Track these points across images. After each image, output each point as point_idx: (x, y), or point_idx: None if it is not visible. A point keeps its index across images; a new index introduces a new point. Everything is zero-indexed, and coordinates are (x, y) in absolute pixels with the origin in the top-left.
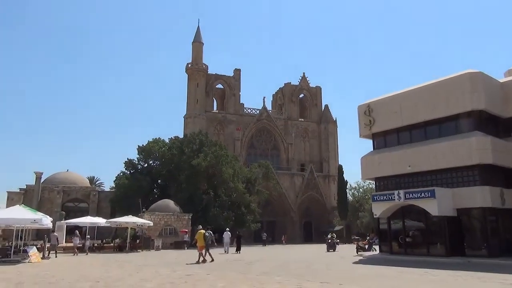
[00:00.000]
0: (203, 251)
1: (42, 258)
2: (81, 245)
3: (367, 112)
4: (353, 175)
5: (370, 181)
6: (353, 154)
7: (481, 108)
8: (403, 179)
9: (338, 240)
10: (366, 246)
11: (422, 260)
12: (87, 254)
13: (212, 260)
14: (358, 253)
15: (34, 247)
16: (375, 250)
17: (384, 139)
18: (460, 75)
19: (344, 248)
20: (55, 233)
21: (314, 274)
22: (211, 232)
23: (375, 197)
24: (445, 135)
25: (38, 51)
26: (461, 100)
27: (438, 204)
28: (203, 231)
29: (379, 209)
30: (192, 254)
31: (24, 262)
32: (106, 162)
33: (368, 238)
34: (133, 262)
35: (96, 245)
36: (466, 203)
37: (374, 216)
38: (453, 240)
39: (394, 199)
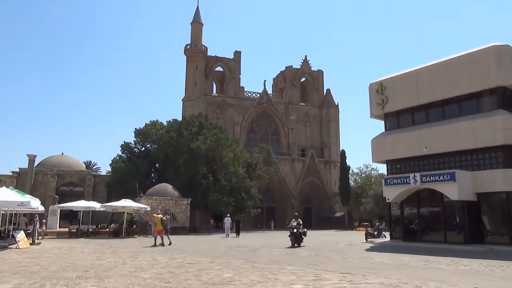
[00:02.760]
0: (162, 235)
1: (31, 244)
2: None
3: (380, 91)
4: (355, 161)
5: (373, 167)
6: (355, 140)
7: (508, 84)
8: (417, 162)
9: (305, 230)
10: (376, 233)
11: (439, 248)
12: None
13: (170, 243)
14: (368, 240)
15: (22, 231)
16: (385, 237)
17: (397, 119)
18: (484, 49)
19: (337, 234)
20: (24, 217)
21: (328, 263)
22: (168, 217)
23: (388, 181)
24: (466, 114)
25: (32, 33)
26: (485, 76)
27: (459, 188)
28: (160, 215)
29: (392, 193)
30: (192, 240)
31: (11, 248)
32: (104, 147)
33: (377, 224)
34: (128, 249)
35: (91, 230)
36: (487, 187)
37: (387, 201)
38: (472, 227)
39: (410, 183)
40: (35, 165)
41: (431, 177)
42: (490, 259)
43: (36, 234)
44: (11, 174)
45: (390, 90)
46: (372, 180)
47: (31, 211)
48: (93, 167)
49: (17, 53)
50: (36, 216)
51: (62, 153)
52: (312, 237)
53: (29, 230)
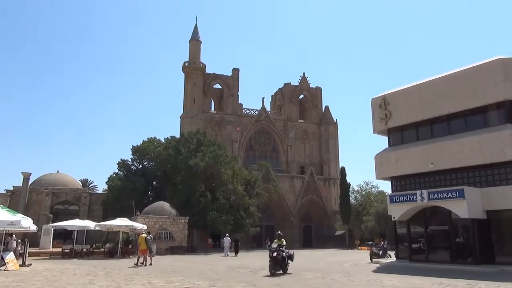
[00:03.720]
0: (147, 254)
1: (20, 265)
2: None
3: (383, 105)
4: (355, 178)
5: (373, 185)
6: (354, 157)
7: None
8: (423, 178)
9: (291, 252)
10: (380, 252)
11: (449, 269)
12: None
13: (151, 264)
14: (373, 260)
15: (11, 252)
16: (390, 257)
17: (401, 135)
18: (490, 62)
19: (339, 254)
20: (13, 236)
21: (336, 286)
22: (151, 237)
23: (394, 198)
24: (472, 129)
25: (28, 48)
26: (492, 90)
27: (468, 205)
28: (144, 235)
29: (398, 211)
30: (190, 260)
31: (0, 270)
32: (101, 165)
33: (382, 243)
34: (123, 270)
35: (85, 250)
36: (496, 204)
37: (392, 219)
38: (482, 246)
39: (416, 200)
40: (29, 183)
41: (439, 194)
42: (507, 282)
43: (27, 255)
44: (4, 192)
45: (393, 104)
46: (372, 197)
47: (22, 230)
48: (90, 185)
49: (11, 67)
50: (10, 236)
51: (58, 171)
52: (314, 257)
53: (21, 250)
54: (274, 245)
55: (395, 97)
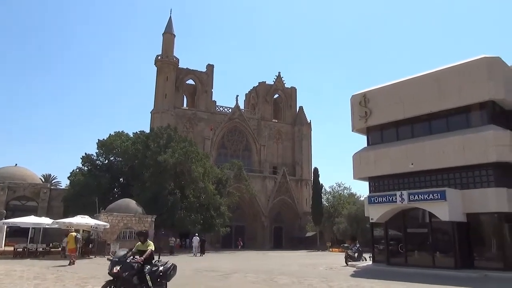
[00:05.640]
0: (75, 253)
1: None
2: None
3: (363, 103)
4: (327, 180)
5: (346, 186)
6: (327, 158)
7: (499, 98)
8: (402, 179)
9: (168, 265)
10: (356, 255)
11: (429, 273)
12: None
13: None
14: (348, 263)
15: None
16: (365, 259)
17: (381, 134)
18: (475, 61)
19: (311, 256)
20: None
21: None
22: (80, 236)
23: (372, 199)
24: (454, 129)
25: None
26: (476, 89)
27: (450, 207)
28: (74, 233)
29: (376, 212)
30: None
31: None
32: (66, 160)
33: (358, 246)
34: (78, 273)
35: (41, 249)
36: (477, 207)
37: (370, 221)
38: (462, 250)
39: (396, 201)
40: None
41: (420, 196)
42: None
43: None
44: None
45: (373, 102)
46: (343, 199)
47: None
48: (53, 181)
49: None
50: None
51: (16, 164)
52: (287, 258)
53: None
54: (121, 252)
55: (376, 95)
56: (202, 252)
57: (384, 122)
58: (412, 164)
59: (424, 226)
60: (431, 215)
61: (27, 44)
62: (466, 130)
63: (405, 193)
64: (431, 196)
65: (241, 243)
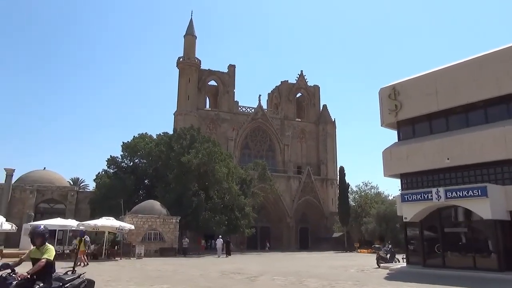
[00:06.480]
0: (83, 255)
1: None
2: None
3: (392, 96)
4: (353, 179)
5: (373, 185)
6: (352, 157)
7: None
8: (437, 175)
9: (80, 278)
10: (388, 256)
11: (470, 276)
12: None
13: (87, 264)
14: (380, 265)
15: None
16: (398, 261)
17: (412, 128)
18: None
19: (339, 257)
20: None
21: None
22: (89, 239)
23: (406, 197)
24: (494, 120)
25: (15, 44)
26: None
27: (491, 205)
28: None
29: (410, 211)
30: (180, 263)
31: None
32: (93, 164)
33: (390, 247)
34: (102, 276)
35: (67, 251)
36: None
37: (404, 220)
38: (507, 251)
39: (432, 199)
40: (14, 180)
41: (458, 192)
42: None
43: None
44: None
45: (404, 95)
46: (370, 199)
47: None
48: (81, 184)
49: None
50: None
51: (44, 168)
52: (315, 260)
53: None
54: (42, 253)
55: (407, 87)
56: (228, 253)
57: (416, 115)
58: (448, 159)
59: (462, 225)
60: (471, 213)
61: (51, 50)
62: (507, 121)
63: (441, 190)
64: (470, 192)
65: (268, 245)
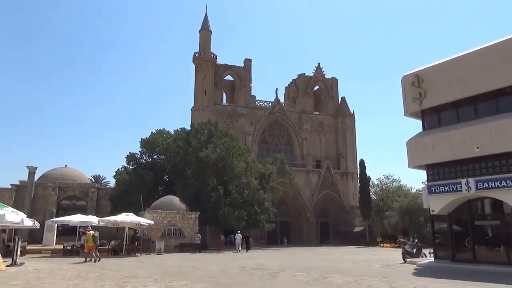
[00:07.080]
0: (94, 251)
1: (10, 265)
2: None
3: (416, 83)
4: (373, 173)
5: (394, 178)
6: (372, 150)
7: None
8: (466, 166)
9: None
10: (414, 251)
11: (504, 271)
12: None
13: (99, 259)
14: (406, 260)
15: None
16: (425, 256)
17: (438, 116)
18: None
19: (363, 252)
20: (3, 234)
21: None
22: (98, 233)
23: (433, 189)
24: None
25: (36, 43)
26: None
27: None
28: (92, 232)
29: (438, 203)
30: (199, 259)
31: None
32: (114, 160)
33: (416, 241)
34: (121, 272)
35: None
36: None
37: (431, 213)
38: None
39: (461, 190)
40: (36, 178)
41: (490, 183)
42: None
43: (18, 254)
44: (9, 187)
45: (428, 82)
46: (392, 192)
47: (14, 226)
48: (102, 181)
49: (19, 59)
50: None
51: (66, 165)
52: (337, 255)
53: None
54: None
55: (431, 73)
56: (248, 248)
57: (442, 103)
58: (478, 148)
59: (495, 218)
60: (502, 205)
61: (70, 50)
62: None
63: (471, 180)
64: (503, 183)
65: (286, 240)
